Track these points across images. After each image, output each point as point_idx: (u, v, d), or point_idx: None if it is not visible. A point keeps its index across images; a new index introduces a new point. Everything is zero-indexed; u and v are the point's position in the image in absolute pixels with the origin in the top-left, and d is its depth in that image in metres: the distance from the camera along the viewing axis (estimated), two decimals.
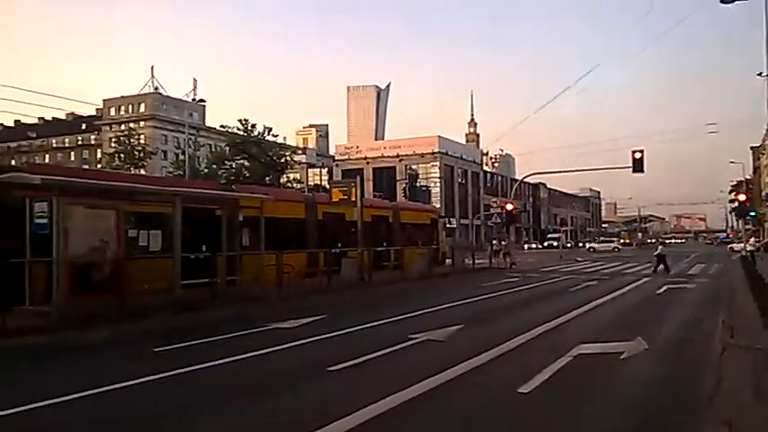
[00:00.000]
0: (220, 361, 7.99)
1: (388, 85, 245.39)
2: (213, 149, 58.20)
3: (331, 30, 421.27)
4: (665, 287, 19.71)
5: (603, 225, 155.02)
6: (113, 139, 62.85)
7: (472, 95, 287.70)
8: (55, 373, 7.85)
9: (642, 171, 30.80)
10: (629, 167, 31.13)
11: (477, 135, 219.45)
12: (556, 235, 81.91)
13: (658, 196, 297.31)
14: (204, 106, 79.70)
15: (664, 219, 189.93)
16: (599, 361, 8.15)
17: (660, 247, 29.22)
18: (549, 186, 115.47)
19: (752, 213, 52.27)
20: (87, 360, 8.74)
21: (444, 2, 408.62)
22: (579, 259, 43.21)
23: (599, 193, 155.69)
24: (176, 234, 13.56)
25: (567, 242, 76.08)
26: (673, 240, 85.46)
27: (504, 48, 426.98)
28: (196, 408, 6.14)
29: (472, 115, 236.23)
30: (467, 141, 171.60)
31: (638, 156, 30.72)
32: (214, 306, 13.52)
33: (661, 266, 25.94)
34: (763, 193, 64.31)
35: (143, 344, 9.55)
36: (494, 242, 42.08)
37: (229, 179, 41.96)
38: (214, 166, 49.24)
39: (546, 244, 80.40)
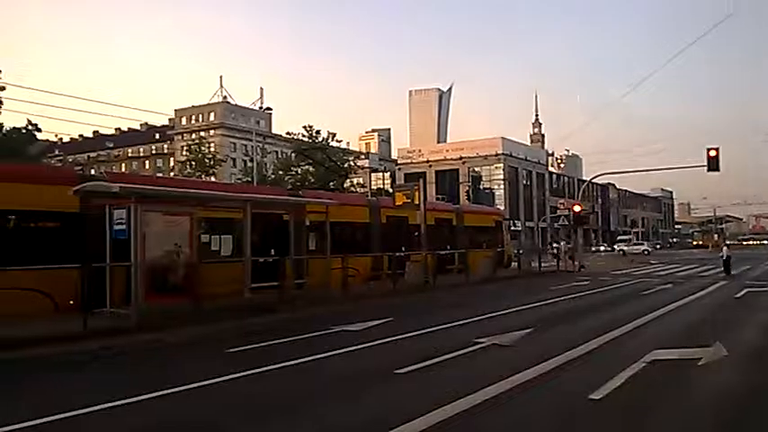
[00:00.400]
0: (290, 362, 8.18)
1: (450, 88, 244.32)
2: (279, 156, 59.58)
3: (392, 33, 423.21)
4: (744, 290, 18.77)
5: (677, 226, 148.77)
6: (185, 148, 65.29)
7: (536, 96, 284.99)
8: (134, 373, 8.23)
9: (718, 170, 29.40)
10: (703, 166, 29.79)
11: (542, 135, 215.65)
12: (626, 237, 79.42)
13: (735, 195, 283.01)
14: (271, 114, 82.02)
15: (741, 219, 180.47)
16: (675, 367, 7.86)
17: (724, 248, 28.87)
18: (618, 187, 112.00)
19: None
20: (165, 360, 9.14)
21: (507, 2, 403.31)
22: (652, 262, 41.67)
23: (671, 193, 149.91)
24: (246, 238, 13.99)
25: (639, 244, 73.52)
26: (751, 242, 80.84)
27: (569, 46, 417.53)
28: (269, 408, 6.32)
29: (536, 115, 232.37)
30: (531, 142, 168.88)
31: (713, 154, 29.35)
32: (282, 308, 13.83)
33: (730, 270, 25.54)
34: None
35: (216, 345, 9.87)
36: (554, 244, 41.12)
37: (295, 185, 42.84)
38: (280, 173, 50.37)
39: (616, 246, 77.95)
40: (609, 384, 6.73)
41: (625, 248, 68.05)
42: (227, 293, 13.37)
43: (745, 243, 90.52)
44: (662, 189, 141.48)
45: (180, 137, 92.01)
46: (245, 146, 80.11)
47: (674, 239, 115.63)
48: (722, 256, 27.23)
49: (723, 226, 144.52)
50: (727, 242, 38.20)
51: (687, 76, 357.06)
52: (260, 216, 14.99)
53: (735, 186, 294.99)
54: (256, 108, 57.56)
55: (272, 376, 7.63)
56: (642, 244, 74.14)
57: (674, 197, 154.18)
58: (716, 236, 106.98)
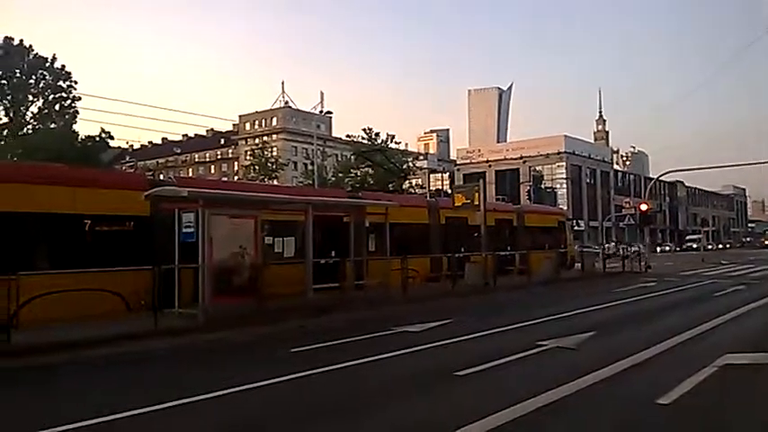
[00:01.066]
0: (354, 362, 8.31)
1: (510, 87, 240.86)
2: (339, 158, 60.27)
3: (452, 32, 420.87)
4: None
5: (750, 225, 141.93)
6: (248, 152, 66.95)
7: (600, 93, 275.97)
8: (204, 371, 8.51)
9: None
10: None
11: (607, 133, 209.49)
12: (695, 236, 76.28)
13: None
14: (331, 117, 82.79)
15: None
16: (748, 372, 7.55)
17: None
18: (687, 184, 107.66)
19: None
20: (232, 359, 9.43)
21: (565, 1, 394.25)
22: (724, 262, 39.86)
23: (744, 190, 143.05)
24: (308, 240, 14.28)
25: (709, 243, 70.44)
26: None
27: (633, 43, 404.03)
28: (332, 407, 6.44)
29: (600, 112, 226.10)
30: (595, 140, 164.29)
31: None
32: (343, 309, 14.01)
33: None
34: None
35: (281, 344, 10.12)
36: (606, 245, 39.74)
37: (355, 187, 43.22)
38: (340, 175, 50.95)
39: (686, 246, 75.02)
40: (678, 389, 6.53)
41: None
42: (290, 294, 13.65)
43: None
44: (734, 186, 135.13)
45: (244, 142, 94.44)
46: (306, 149, 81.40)
47: (748, 238, 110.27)
48: None
49: None
50: None
51: (756, 70, 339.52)
52: (321, 218, 15.26)
53: None
54: (317, 112, 58.44)
55: (333, 376, 7.78)
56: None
57: (746, 195, 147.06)
58: None
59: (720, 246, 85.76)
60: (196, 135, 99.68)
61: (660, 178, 64.57)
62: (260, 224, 13.45)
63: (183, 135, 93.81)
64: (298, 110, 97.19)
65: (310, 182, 49.76)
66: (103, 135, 42.89)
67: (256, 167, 56.02)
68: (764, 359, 8.09)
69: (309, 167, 55.73)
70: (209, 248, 12.15)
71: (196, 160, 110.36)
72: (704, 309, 14.44)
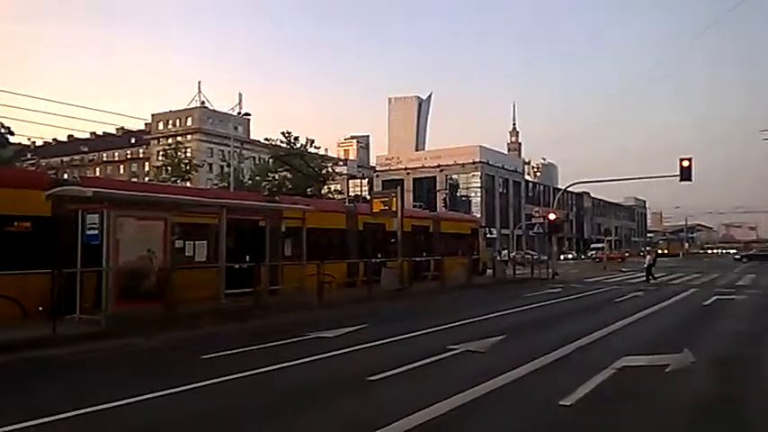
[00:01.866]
0: (265, 369, 8.15)
1: (430, 96, 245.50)
2: (257, 162, 59.30)
3: (372, 41, 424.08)
4: (713, 298, 19.19)
5: (649, 234, 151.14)
6: (161, 153, 64.63)
7: (514, 105, 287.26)
8: (106, 380, 8.09)
9: (690, 179, 29.96)
10: (676, 176, 30.33)
11: (519, 144, 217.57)
12: (599, 245, 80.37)
13: (707, 205, 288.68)
14: (249, 120, 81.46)
15: (712, 228, 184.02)
16: (644, 374, 8.00)
17: (648, 257, 31.76)
18: (592, 196, 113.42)
19: None
20: (138, 367, 9.02)
21: (485, 12, 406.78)
22: (624, 270, 42.25)
23: (644, 202, 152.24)
24: (222, 244, 13.92)
25: (611, 252, 74.36)
26: (716, 250, 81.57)
27: (548, 58, 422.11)
28: (242, 416, 6.28)
29: (514, 124, 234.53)
30: (509, 151, 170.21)
31: (685, 164, 29.92)
32: (257, 315, 13.75)
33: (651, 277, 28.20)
34: None
35: (191, 351, 9.80)
36: (512, 253, 41.64)
37: (272, 191, 42.59)
38: (257, 178, 50.08)
39: (590, 254, 78.86)
40: (579, 391, 6.82)
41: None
42: (202, 299, 13.27)
43: (710, 252, 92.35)
44: (635, 198, 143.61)
45: (156, 141, 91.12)
46: (223, 151, 79.56)
47: (647, 248, 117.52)
48: (645, 264, 30.15)
49: (694, 235, 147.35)
50: (648, 249, 39.88)
51: (665, 88, 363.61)
52: (235, 222, 14.94)
53: (706, 196, 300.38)
54: (234, 113, 57.40)
55: (244, 383, 7.58)
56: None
57: (647, 206, 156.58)
58: (687, 244, 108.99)
59: (623, 256, 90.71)
60: (105, 133, 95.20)
61: (568, 189, 67.62)
62: (170, 227, 12.99)
63: (92, 133, 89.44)
64: (214, 111, 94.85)
65: (226, 184, 48.67)
66: (2, 130, 40.21)
67: (169, 168, 54.12)
68: (658, 361, 8.59)
69: (226, 170, 54.47)
70: (114, 251, 11.60)
71: (104, 159, 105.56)
72: (605, 314, 15.23)
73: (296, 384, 7.64)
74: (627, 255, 76.01)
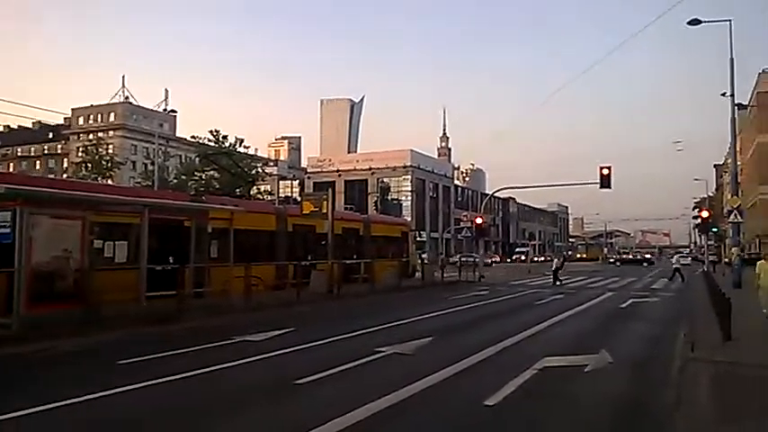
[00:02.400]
0: (186, 374, 7.90)
1: (362, 99, 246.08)
2: (183, 161, 57.69)
3: (305, 42, 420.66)
4: (629, 301, 20.12)
5: (571, 239, 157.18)
6: (81, 149, 61.82)
7: (444, 111, 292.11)
8: (12, 387, 7.64)
9: (609, 187, 31.29)
10: (596, 183, 31.63)
11: (449, 149, 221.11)
12: (524, 249, 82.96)
13: (625, 212, 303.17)
14: (175, 117, 79.38)
15: (629, 234, 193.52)
16: (563, 374, 8.28)
17: (555, 260, 34.52)
18: (518, 201, 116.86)
19: (714, 229, 53.47)
20: (48, 372, 8.55)
21: (418, 17, 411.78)
22: (547, 273, 43.66)
23: (567, 208, 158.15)
24: (143, 245, 13.43)
25: (535, 256, 76.99)
26: (631, 257, 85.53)
27: (478, 64, 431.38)
28: (159, 423, 6.08)
29: (444, 130, 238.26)
30: (439, 156, 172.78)
31: (605, 172, 31.23)
32: (181, 318, 13.32)
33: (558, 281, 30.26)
34: (725, 210, 65.90)
35: (107, 356, 9.37)
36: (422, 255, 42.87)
37: (199, 190, 41.55)
38: (183, 177, 48.73)
39: (515, 257, 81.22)
40: (503, 391, 7.02)
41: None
42: (122, 302, 12.73)
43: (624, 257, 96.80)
44: (558, 204, 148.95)
45: (76, 137, 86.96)
46: (147, 149, 76.96)
47: (569, 252, 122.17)
48: (552, 268, 32.93)
49: (612, 240, 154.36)
50: (560, 254, 42.81)
51: (589, 95, 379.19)
52: (159, 222, 14.43)
53: (626, 203, 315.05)
54: (160, 110, 55.49)
55: (164, 389, 7.33)
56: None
57: (569, 212, 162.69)
58: (605, 249, 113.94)
59: (544, 258, 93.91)
60: (20, 127, 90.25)
61: (495, 194, 69.37)
62: (88, 226, 12.42)
63: (5, 126, 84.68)
64: (139, 106, 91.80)
65: (150, 183, 47.11)
66: None
67: (89, 165, 51.86)
68: (577, 361, 8.92)
69: (150, 168, 52.70)
70: (27, 251, 10.99)
71: (19, 154, 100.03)
72: (528, 315, 15.69)
73: (219, 389, 7.44)
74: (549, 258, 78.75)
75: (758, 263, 13.55)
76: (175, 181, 48.66)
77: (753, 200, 62.92)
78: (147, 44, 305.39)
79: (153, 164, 50.06)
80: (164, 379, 7.60)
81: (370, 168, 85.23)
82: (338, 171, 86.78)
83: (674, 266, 34.38)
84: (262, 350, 9.74)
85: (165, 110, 52.84)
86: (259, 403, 6.81)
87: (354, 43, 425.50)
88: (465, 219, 58.26)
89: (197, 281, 15.17)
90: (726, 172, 76.78)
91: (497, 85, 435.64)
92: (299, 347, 10.17)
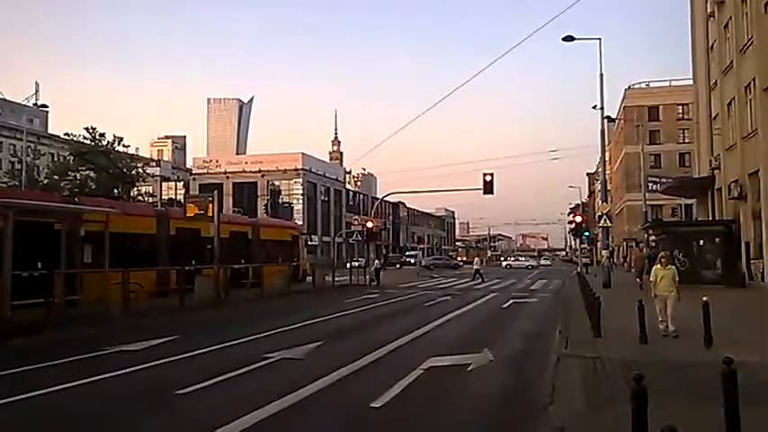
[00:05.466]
0: (51, 389, 7.31)
1: (251, 99, 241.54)
2: (56, 159, 53.66)
3: (193, 39, 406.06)
4: (510, 302, 21.08)
5: (457, 242, 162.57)
6: None
7: (336, 114, 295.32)
8: None
9: (492, 193, 32.73)
10: (480, 189, 32.94)
11: (341, 153, 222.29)
12: (413, 252, 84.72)
13: (507, 217, 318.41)
14: (47, 112, 73.73)
15: (511, 238, 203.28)
16: (448, 373, 8.49)
17: (476, 259, 42.86)
18: (408, 206, 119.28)
19: (586, 233, 57.42)
20: None
21: (312, 19, 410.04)
22: (435, 276, 44.93)
23: (454, 213, 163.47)
24: (7, 250, 12.31)
25: (424, 259, 78.76)
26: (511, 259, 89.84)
27: (369, 68, 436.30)
28: None
29: (336, 134, 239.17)
30: (330, 159, 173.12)
31: (488, 178, 32.63)
32: (50, 329, 12.34)
33: (478, 278, 35.24)
34: (596, 216, 70.89)
35: None
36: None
37: (73, 191, 38.82)
38: (56, 177, 45.27)
39: (404, 260, 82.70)
40: (389, 392, 7.08)
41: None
42: None
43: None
44: (445, 209, 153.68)
45: None
46: (15, 146, 70.98)
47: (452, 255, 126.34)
48: (475, 268, 38.67)
49: (496, 244, 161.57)
50: (477, 258, 46.44)
51: (474, 103, 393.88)
52: (25, 224, 13.28)
53: (508, 208, 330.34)
54: (30, 104, 51.35)
55: (27, 406, 6.73)
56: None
57: (455, 217, 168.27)
58: (489, 252, 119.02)
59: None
60: None
61: (385, 199, 70.38)
62: None
63: None
64: (5, 100, 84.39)
65: (17, 183, 43.46)
66: None
67: None
68: (461, 360, 9.19)
69: (17, 166, 48.55)
70: None
71: None
72: (416, 317, 16.00)
73: (90, 404, 6.94)
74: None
75: (654, 268, 11.00)
76: (47, 181, 45.13)
77: (621, 206, 68.24)
78: (20, 34, 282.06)
79: (20, 162, 46.20)
80: (26, 395, 6.98)
81: (260, 171, 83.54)
82: (226, 173, 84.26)
83: (474, 268, 38.98)
84: (140, 360, 9.22)
85: (35, 104, 48.84)
86: (136, 417, 6.42)
87: (244, 40, 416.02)
88: (356, 222, 58.77)
89: (69, 288, 14.13)
90: (597, 180, 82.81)
91: (388, 88, 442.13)
92: (183, 356, 9.73)
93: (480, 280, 34.81)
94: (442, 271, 55.89)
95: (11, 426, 6.09)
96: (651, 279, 10.94)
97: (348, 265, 41.33)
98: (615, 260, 53.13)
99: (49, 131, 75.93)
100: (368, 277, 33.14)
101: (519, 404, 7.04)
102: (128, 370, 8.56)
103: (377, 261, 36.60)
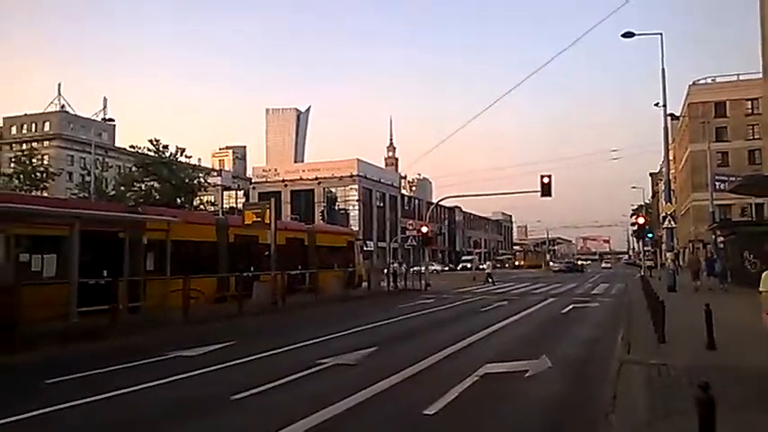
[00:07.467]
0: (115, 392, 7.51)
1: (308, 109, 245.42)
2: (122, 171, 55.84)
3: (254, 52, 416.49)
4: (570, 306, 20.51)
5: (515, 247, 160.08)
6: (13, 159, 59.05)
7: (391, 121, 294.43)
8: None
9: (550, 195, 31.98)
10: (538, 192, 32.26)
11: (396, 159, 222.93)
12: (469, 257, 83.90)
13: (566, 219, 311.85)
14: (114, 126, 76.68)
15: (570, 241, 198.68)
16: (504, 380, 8.29)
17: (487, 263, 46.96)
18: (464, 210, 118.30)
19: (649, 235, 55.37)
20: None
21: (366, 28, 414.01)
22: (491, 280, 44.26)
23: (511, 216, 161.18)
24: (73, 258, 12.82)
25: (480, 264, 77.92)
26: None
27: (424, 75, 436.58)
28: None
29: (391, 140, 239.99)
30: (386, 165, 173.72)
31: (546, 180, 31.90)
32: (114, 334, 12.75)
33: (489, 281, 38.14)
34: (660, 217, 68.29)
35: (34, 376, 8.83)
36: (393, 265, 43.81)
37: (138, 201, 40.25)
38: (122, 188, 47.06)
39: (460, 266, 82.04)
40: (443, 399, 6.95)
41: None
42: (50, 318, 12.11)
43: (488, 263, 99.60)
44: (502, 212, 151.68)
45: (9, 147, 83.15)
46: (84, 159, 74.31)
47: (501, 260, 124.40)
48: (487, 272, 42.19)
49: (555, 247, 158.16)
50: (489, 261, 48.96)
51: (531, 107, 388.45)
52: (91, 234, 13.81)
53: (573, 211, 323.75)
54: (98, 119, 53.69)
55: (95, 409, 6.94)
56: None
57: (513, 220, 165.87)
58: (548, 256, 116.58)
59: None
60: None
61: (440, 203, 70.01)
62: (13, 239, 11.76)
63: None
64: (76, 115, 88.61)
65: (86, 194, 45.42)
66: None
67: (21, 176, 49.60)
68: (518, 367, 8.96)
69: (87, 179, 50.75)
70: None
71: None
72: (472, 323, 15.75)
73: (147, 409, 7.09)
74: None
75: (764, 275, 7.65)
76: (113, 192, 46.97)
77: (686, 206, 65.58)
78: (87, 52, 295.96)
79: (89, 174, 48.25)
80: (94, 398, 7.22)
81: (317, 178, 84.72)
82: (284, 181, 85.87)
83: (486, 272, 41.89)
84: (198, 365, 9.38)
85: (103, 119, 50.97)
86: (191, 421, 6.53)
87: (302, 53, 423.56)
88: (411, 228, 58.64)
89: (132, 295, 14.59)
90: (661, 180, 79.93)
91: (443, 95, 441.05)
92: (238, 361, 9.86)
93: (491, 283, 37.55)
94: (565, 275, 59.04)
95: (74, 427, 6.28)
96: (762, 289, 7.55)
97: (403, 269, 41.23)
98: (681, 263, 51.03)
99: (116, 144, 79.04)
100: (423, 282, 32.92)
101: (578, 412, 6.78)
102: (185, 375, 8.73)
103: (488, 263, 41.00)
